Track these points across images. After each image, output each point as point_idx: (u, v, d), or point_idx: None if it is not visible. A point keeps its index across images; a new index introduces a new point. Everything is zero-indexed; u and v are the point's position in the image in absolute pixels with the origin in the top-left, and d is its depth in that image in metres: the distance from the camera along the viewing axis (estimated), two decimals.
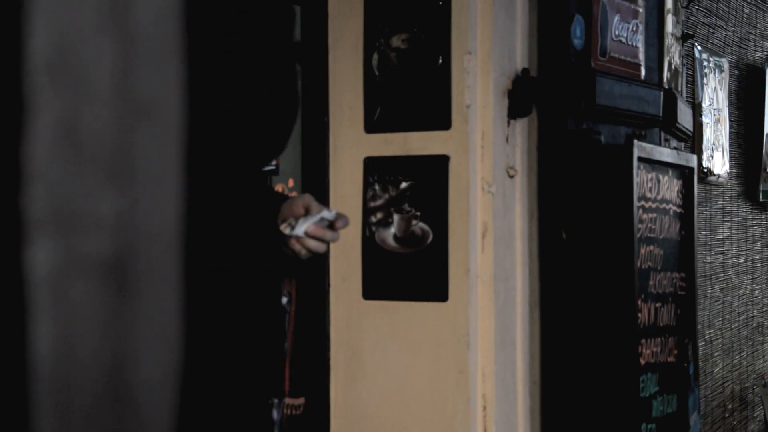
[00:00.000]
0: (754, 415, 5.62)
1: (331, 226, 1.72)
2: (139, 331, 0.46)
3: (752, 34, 5.75)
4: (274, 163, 3.05)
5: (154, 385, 0.46)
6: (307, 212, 1.71)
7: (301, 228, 1.68)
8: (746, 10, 5.62)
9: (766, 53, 5.86)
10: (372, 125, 2.96)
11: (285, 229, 1.68)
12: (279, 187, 3.41)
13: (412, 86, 2.91)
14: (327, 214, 1.73)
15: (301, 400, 3.03)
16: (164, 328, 0.47)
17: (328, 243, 1.76)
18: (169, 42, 0.46)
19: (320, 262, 2.97)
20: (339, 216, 1.75)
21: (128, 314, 0.45)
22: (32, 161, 0.43)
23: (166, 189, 0.47)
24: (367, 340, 2.92)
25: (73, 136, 0.43)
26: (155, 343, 0.46)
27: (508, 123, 2.96)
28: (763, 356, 5.80)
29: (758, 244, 5.80)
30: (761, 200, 5.71)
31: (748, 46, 5.66)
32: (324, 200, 2.98)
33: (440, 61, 2.89)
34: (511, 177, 2.96)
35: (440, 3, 2.89)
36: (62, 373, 0.43)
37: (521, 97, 2.97)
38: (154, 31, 0.45)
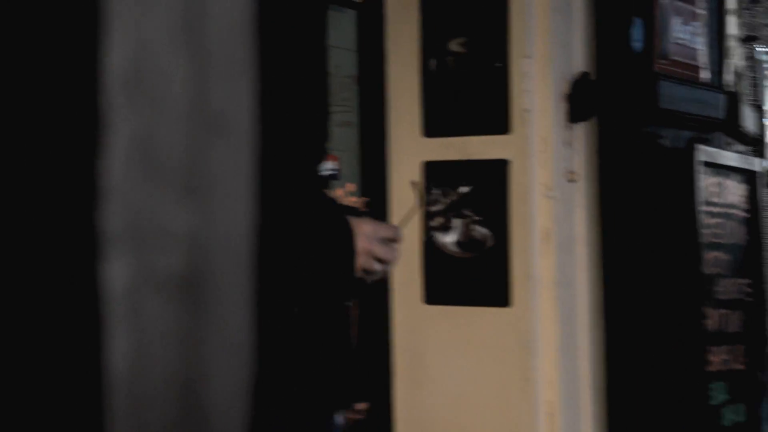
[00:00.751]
0: None
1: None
2: (212, 348, 0.46)
3: None
4: (335, 167, 3.06)
5: (226, 401, 0.46)
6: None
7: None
8: None
9: None
10: (431, 129, 2.95)
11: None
12: (339, 192, 3.41)
13: (471, 90, 2.90)
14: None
15: (364, 405, 3.03)
16: (236, 345, 0.47)
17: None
18: (242, 57, 0.46)
19: None
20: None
21: (202, 330, 0.45)
22: (108, 176, 0.43)
23: (239, 205, 0.47)
24: (430, 344, 2.91)
25: (148, 152, 0.43)
26: (228, 360, 0.46)
27: (568, 127, 2.93)
28: None
29: None
30: None
31: None
32: (384, 204, 2.98)
33: (498, 65, 2.88)
34: (572, 182, 2.93)
35: (497, 7, 2.87)
36: (137, 388, 0.43)
37: (581, 101, 2.94)
38: (228, 46, 0.45)
